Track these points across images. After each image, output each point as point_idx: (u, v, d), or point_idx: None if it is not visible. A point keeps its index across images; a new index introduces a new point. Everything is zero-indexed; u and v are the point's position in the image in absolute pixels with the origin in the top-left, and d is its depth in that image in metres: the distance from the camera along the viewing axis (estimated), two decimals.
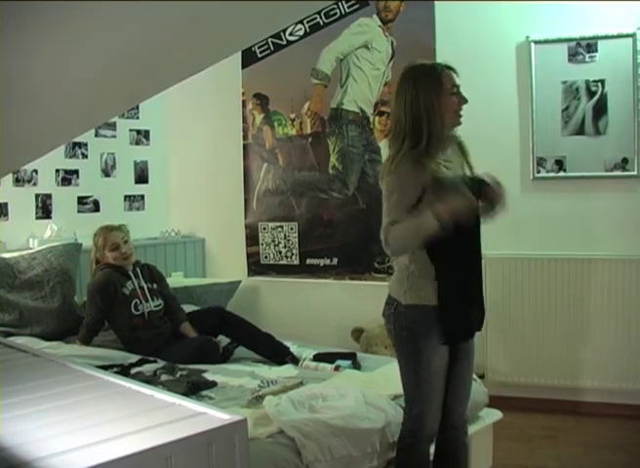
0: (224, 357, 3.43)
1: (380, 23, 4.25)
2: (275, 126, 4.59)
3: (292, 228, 4.58)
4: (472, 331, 2.32)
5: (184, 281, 4.64)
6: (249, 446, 1.70)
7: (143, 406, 1.80)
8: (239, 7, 1.46)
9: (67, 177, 4.42)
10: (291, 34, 4.44)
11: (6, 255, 3.87)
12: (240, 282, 4.65)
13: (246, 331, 3.62)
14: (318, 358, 3.34)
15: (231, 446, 1.63)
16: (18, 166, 3.45)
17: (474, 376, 2.58)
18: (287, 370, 3.18)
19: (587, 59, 3.81)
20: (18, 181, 4.17)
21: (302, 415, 2.46)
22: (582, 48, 3.81)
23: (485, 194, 2.26)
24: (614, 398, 3.80)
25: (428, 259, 2.21)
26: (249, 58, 4.55)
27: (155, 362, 3.23)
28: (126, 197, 4.78)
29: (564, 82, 3.87)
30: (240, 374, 3.08)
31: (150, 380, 2.71)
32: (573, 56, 3.83)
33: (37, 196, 4.28)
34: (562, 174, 3.91)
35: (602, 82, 3.79)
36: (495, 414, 3.02)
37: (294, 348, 3.49)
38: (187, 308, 3.91)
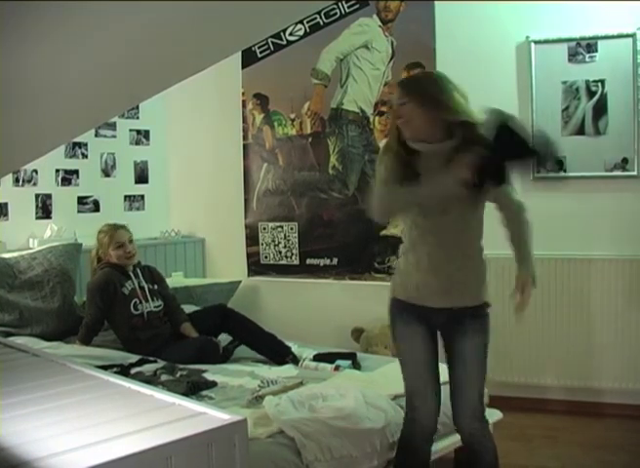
0: (224, 357, 3.44)
1: (379, 23, 4.25)
2: (275, 126, 4.59)
3: (292, 228, 4.58)
4: None
5: (184, 281, 4.64)
6: (249, 446, 1.70)
7: (143, 406, 1.80)
8: (239, 7, 1.46)
9: (67, 177, 4.42)
10: (291, 34, 4.44)
11: (6, 255, 3.87)
12: (240, 282, 4.65)
13: (248, 328, 3.62)
14: (318, 358, 3.34)
15: (231, 446, 1.64)
16: (18, 166, 3.45)
17: None
18: (287, 370, 3.18)
19: (587, 60, 3.81)
20: (18, 181, 4.17)
21: (302, 415, 2.46)
22: (582, 48, 3.81)
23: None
24: (614, 398, 3.80)
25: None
26: (249, 58, 4.55)
27: (155, 362, 3.23)
28: (126, 197, 4.78)
29: (564, 82, 3.87)
30: (240, 374, 3.08)
31: (150, 380, 2.71)
32: (573, 56, 3.83)
33: (37, 196, 4.28)
34: (562, 174, 3.91)
35: (602, 82, 3.79)
36: (494, 414, 3.01)
37: (294, 348, 3.49)
38: (188, 308, 3.90)
